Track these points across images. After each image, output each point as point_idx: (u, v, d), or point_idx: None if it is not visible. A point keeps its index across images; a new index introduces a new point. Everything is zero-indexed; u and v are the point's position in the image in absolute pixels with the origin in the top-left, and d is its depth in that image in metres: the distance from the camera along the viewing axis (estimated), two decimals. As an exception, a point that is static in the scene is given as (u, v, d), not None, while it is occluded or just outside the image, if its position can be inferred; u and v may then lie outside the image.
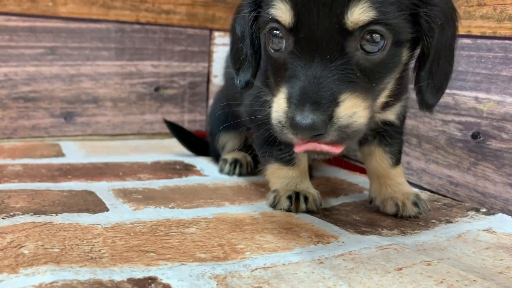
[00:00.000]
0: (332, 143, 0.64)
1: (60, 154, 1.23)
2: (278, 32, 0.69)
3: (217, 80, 1.56)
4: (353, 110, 0.64)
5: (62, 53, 1.33)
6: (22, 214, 0.75)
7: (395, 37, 0.67)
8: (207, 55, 1.52)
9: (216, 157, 1.24)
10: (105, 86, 1.40)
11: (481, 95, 0.99)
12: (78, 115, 1.38)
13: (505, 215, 0.92)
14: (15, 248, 0.61)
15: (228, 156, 1.17)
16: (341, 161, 1.30)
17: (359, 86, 0.66)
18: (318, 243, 0.73)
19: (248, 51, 0.79)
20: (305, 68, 0.65)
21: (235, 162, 1.15)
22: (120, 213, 0.81)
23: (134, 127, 1.46)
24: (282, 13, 0.66)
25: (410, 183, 1.11)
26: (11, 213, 0.75)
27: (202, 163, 1.26)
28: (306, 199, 0.89)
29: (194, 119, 1.55)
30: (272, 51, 0.71)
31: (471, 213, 0.93)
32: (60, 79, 1.34)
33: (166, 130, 1.50)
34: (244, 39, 0.79)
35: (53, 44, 1.31)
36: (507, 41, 0.94)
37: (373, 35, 0.66)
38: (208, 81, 1.54)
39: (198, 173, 1.16)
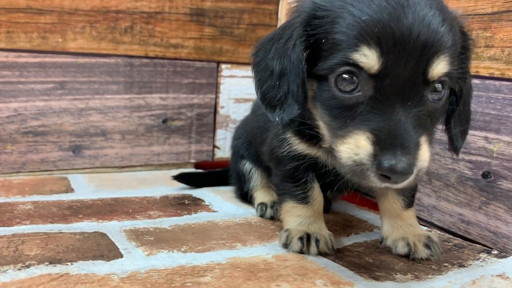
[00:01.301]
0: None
1: (69, 189, 1.23)
2: (352, 75, 0.69)
3: (224, 110, 1.57)
4: (428, 154, 0.69)
5: (71, 87, 1.34)
6: (38, 264, 0.75)
7: (450, 85, 0.73)
8: (215, 87, 1.53)
9: (238, 183, 1.23)
10: (113, 119, 1.40)
11: (490, 135, 0.99)
12: (87, 148, 1.39)
13: (518, 258, 0.92)
14: (35, 307, 0.61)
15: (266, 200, 1.13)
16: (355, 194, 1.31)
17: (428, 131, 0.71)
18: (334, 292, 0.73)
19: (294, 88, 0.76)
20: (387, 113, 0.67)
21: (274, 205, 1.09)
22: (134, 259, 0.81)
23: (141, 159, 1.47)
24: (369, 59, 0.67)
25: (421, 220, 1.12)
26: (27, 263, 0.75)
27: (210, 196, 1.26)
28: (317, 241, 0.89)
29: (201, 150, 1.55)
30: (340, 92, 0.70)
31: (483, 255, 0.93)
32: (69, 113, 1.35)
33: (173, 161, 1.51)
34: (286, 75, 0.76)
35: (62, 79, 1.32)
36: (516, 83, 0.95)
37: (439, 85, 0.71)
38: (215, 112, 1.55)
39: (207, 208, 1.16)
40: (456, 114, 0.81)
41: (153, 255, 0.83)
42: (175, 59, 1.45)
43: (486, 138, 1.00)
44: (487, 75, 1.00)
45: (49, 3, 1.27)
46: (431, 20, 0.68)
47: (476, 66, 1.02)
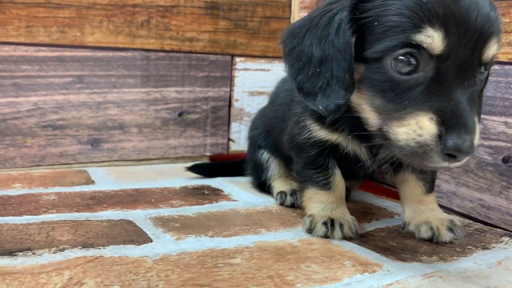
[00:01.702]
0: None
1: (90, 181, 1.25)
2: (412, 57, 0.69)
3: (238, 103, 1.58)
4: (479, 132, 0.70)
5: (89, 81, 1.35)
6: (72, 248, 0.76)
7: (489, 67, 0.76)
8: (229, 80, 1.54)
9: (255, 173, 1.24)
10: (130, 112, 1.42)
11: (510, 120, 1.00)
12: (105, 142, 1.40)
13: (540, 240, 0.93)
14: (77, 286, 0.62)
15: (285, 188, 1.14)
16: (371, 184, 1.32)
17: (476, 109, 0.73)
18: (364, 272, 0.74)
19: (339, 73, 0.74)
20: (447, 93, 0.68)
21: (294, 193, 1.11)
22: (164, 243, 0.82)
23: (158, 152, 1.48)
24: (434, 40, 0.67)
25: (440, 206, 1.12)
26: (60, 247, 0.76)
27: (228, 187, 1.27)
28: (341, 226, 0.90)
29: (216, 143, 1.57)
30: (398, 74, 0.70)
31: (505, 238, 0.94)
32: (87, 106, 1.36)
33: (189, 154, 1.53)
34: (328, 61, 0.75)
35: (80, 73, 1.34)
36: (536, 67, 0.96)
37: (487, 65, 0.73)
38: (230, 105, 1.56)
39: (227, 198, 1.17)
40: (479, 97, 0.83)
41: (182, 239, 0.85)
42: (191, 52, 1.47)
43: (506, 123, 1.01)
44: (507, 60, 1.01)
45: (67, -3, 1.29)
46: (483, 3, 0.70)
47: (497, 11, 1.02)
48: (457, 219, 0.94)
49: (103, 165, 1.41)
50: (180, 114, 1.49)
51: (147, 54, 1.41)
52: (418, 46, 0.68)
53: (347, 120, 0.84)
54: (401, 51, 0.69)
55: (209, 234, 0.88)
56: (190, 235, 0.87)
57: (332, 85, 0.75)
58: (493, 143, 1.03)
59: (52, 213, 0.96)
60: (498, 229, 1.00)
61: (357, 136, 0.85)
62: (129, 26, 1.37)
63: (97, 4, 1.32)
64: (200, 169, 1.35)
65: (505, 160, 1.01)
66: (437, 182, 1.15)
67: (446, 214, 0.95)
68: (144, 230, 0.89)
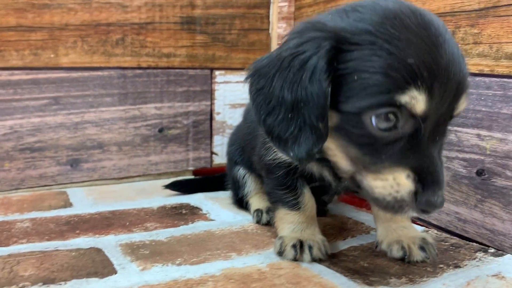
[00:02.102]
0: None
1: (67, 203, 1.24)
2: (393, 115, 0.67)
3: (220, 117, 1.57)
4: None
5: (66, 102, 1.35)
6: (32, 285, 0.75)
7: None
8: (209, 94, 1.53)
9: (234, 189, 1.24)
10: (109, 131, 1.41)
11: (483, 132, 0.99)
12: (84, 161, 1.40)
13: (514, 256, 0.91)
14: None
15: (262, 206, 1.13)
16: (353, 196, 1.30)
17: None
18: (326, 300, 0.73)
19: (312, 121, 0.70)
20: (424, 150, 0.69)
21: (269, 210, 1.10)
22: (128, 275, 0.81)
23: (139, 169, 1.47)
24: (418, 102, 0.65)
25: (419, 219, 1.11)
26: (20, 285, 0.76)
27: (208, 205, 1.26)
28: (310, 248, 0.89)
29: (199, 157, 1.56)
30: (378, 130, 0.68)
31: (479, 254, 0.93)
32: (65, 127, 1.36)
33: (171, 169, 1.52)
34: (301, 107, 0.71)
35: (56, 94, 1.33)
36: (505, 79, 0.94)
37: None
38: (211, 118, 1.55)
39: (204, 217, 1.16)
40: None
41: (147, 269, 0.84)
42: (168, 68, 1.46)
43: (478, 136, 0.99)
44: (477, 72, 0.99)
45: (39, 20, 1.28)
46: (458, 58, 0.69)
47: (466, 63, 1.01)
48: (430, 236, 0.92)
49: (83, 185, 1.41)
50: (161, 130, 1.49)
51: (123, 72, 1.40)
52: (401, 106, 0.66)
53: None
54: (383, 109, 0.67)
55: (177, 262, 0.87)
56: (157, 264, 0.86)
57: (304, 132, 0.71)
58: (467, 156, 1.02)
59: (22, 243, 0.96)
60: (474, 244, 0.99)
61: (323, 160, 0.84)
62: (104, 45, 1.36)
63: (70, 25, 1.32)
64: (179, 186, 1.34)
65: (479, 173, 1.00)
66: (415, 194, 1.14)
67: (419, 231, 0.94)
68: (111, 259, 0.88)
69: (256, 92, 0.76)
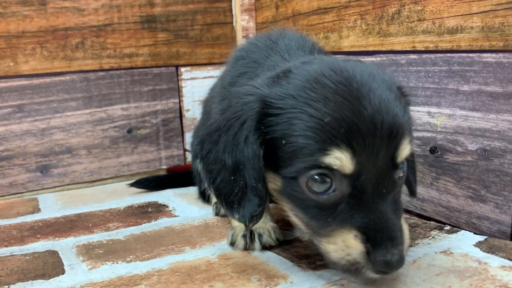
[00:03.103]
0: None
1: (36, 210, 1.25)
2: (325, 176, 0.66)
3: (190, 113, 1.57)
4: (408, 231, 0.68)
5: (30, 109, 1.36)
6: (-26, 290, 0.76)
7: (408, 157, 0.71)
8: (177, 91, 1.53)
9: (197, 183, 1.25)
10: (77, 135, 1.42)
11: (433, 109, 0.98)
12: (54, 167, 1.40)
13: (467, 232, 0.90)
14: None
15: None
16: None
17: (401, 207, 0.70)
18: (267, 286, 0.73)
19: (251, 182, 0.71)
20: (368, 207, 0.65)
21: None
22: (75, 275, 0.81)
23: (111, 171, 1.48)
24: (342, 162, 0.64)
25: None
26: (-36, 290, 0.77)
27: (175, 201, 1.27)
28: (260, 236, 0.88)
29: (172, 155, 1.56)
30: (314, 194, 0.67)
31: (434, 232, 0.92)
32: (31, 134, 1.36)
33: (144, 169, 1.52)
34: (240, 169, 0.72)
35: (19, 102, 1.34)
36: (448, 54, 0.93)
37: (403, 163, 0.70)
38: (181, 116, 1.55)
39: (169, 214, 1.16)
40: (412, 173, 0.81)
41: (96, 268, 0.84)
42: (132, 68, 1.46)
43: (429, 113, 0.99)
44: (423, 49, 0.98)
45: (-6, 29, 1.29)
46: (388, 105, 0.66)
47: (412, 41, 1.00)
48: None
49: (55, 191, 1.42)
50: (129, 131, 1.49)
51: (86, 76, 1.40)
52: (329, 167, 0.65)
53: None
54: (313, 172, 0.66)
55: (128, 259, 0.88)
56: (107, 263, 0.86)
57: (246, 193, 0.73)
58: (420, 134, 1.01)
59: (-20, 250, 0.97)
60: (432, 222, 0.98)
61: None
62: (64, 50, 1.37)
63: (27, 32, 1.32)
64: (145, 184, 1.35)
65: (432, 151, 0.99)
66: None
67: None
68: (63, 261, 0.89)
69: (205, 156, 0.78)
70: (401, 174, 0.70)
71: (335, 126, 0.64)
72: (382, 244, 0.63)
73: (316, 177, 0.66)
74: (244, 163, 0.72)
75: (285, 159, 0.69)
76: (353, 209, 0.65)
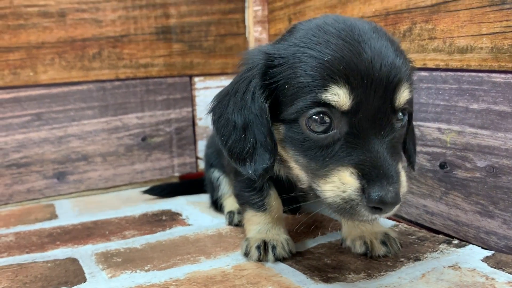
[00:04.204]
0: None
1: (53, 216, 1.29)
2: (324, 115, 0.70)
3: (203, 122, 1.60)
4: (405, 179, 0.71)
5: (48, 117, 1.39)
6: (1, 297, 0.80)
7: (408, 110, 0.76)
8: (190, 100, 1.57)
9: (210, 191, 1.28)
10: (93, 143, 1.45)
11: (443, 125, 1.00)
12: (70, 174, 1.44)
13: (475, 247, 0.93)
14: None
15: (234, 208, 1.16)
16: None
17: (400, 156, 0.74)
18: (281, 299, 0.76)
19: (261, 138, 0.76)
20: (365, 145, 0.69)
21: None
22: (96, 283, 0.85)
23: (125, 178, 1.51)
24: (340, 98, 0.68)
25: (388, 215, 1.13)
26: (-9, 297, 0.80)
27: (189, 210, 1.30)
28: (274, 248, 0.91)
29: (184, 163, 1.59)
30: (314, 133, 0.71)
31: (442, 246, 0.94)
32: (49, 142, 1.40)
33: (157, 176, 1.56)
34: (250, 127, 0.77)
35: (38, 111, 1.38)
36: (459, 73, 0.96)
37: (404, 111, 0.74)
38: (193, 124, 1.59)
39: (182, 222, 1.20)
40: (409, 133, 0.85)
41: (116, 276, 0.87)
42: (147, 78, 1.49)
43: (439, 129, 1.01)
44: (434, 66, 1.01)
45: (15, 40, 1.33)
46: (387, 52, 0.71)
47: (423, 58, 1.03)
48: (392, 231, 0.94)
49: (71, 197, 1.45)
50: (144, 139, 1.52)
51: (102, 85, 1.44)
52: (328, 105, 0.69)
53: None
54: (313, 110, 0.70)
55: (146, 268, 0.91)
56: (126, 271, 0.90)
57: (257, 149, 0.77)
58: (430, 150, 1.03)
59: (3, 256, 1.00)
60: (440, 236, 1.01)
61: None
62: (81, 60, 1.41)
63: (46, 43, 1.36)
64: (158, 191, 1.38)
65: (441, 166, 1.01)
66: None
67: (382, 227, 0.96)
68: (84, 268, 0.92)
69: (217, 120, 0.83)
70: (401, 122, 0.74)
71: (335, 63, 0.68)
72: (378, 181, 0.66)
73: (315, 117, 0.70)
74: (252, 121, 0.77)
75: (287, 102, 0.73)
76: (350, 147, 0.69)
